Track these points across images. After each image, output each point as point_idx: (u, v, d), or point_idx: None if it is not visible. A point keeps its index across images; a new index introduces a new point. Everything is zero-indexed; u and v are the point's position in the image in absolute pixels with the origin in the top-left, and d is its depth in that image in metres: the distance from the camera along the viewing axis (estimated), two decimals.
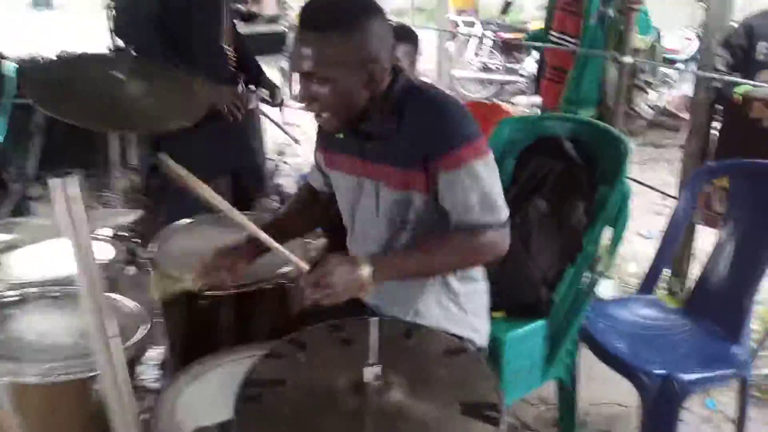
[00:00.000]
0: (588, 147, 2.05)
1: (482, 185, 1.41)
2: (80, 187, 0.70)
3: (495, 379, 1.07)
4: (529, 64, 6.55)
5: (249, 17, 3.41)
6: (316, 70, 1.37)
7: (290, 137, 5.84)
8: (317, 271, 1.31)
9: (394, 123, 1.44)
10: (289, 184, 4.42)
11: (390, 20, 1.54)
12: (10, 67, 3.68)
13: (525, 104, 6.35)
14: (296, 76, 1.75)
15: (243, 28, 3.22)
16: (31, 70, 1.81)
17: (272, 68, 6.10)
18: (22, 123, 3.55)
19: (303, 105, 1.46)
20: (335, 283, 1.28)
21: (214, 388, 1.40)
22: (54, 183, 0.70)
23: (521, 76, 7.06)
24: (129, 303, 1.64)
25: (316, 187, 1.76)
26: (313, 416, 1.00)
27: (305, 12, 1.41)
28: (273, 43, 3.21)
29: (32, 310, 1.55)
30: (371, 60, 1.38)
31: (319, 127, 1.62)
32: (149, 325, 1.54)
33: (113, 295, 1.66)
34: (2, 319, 1.51)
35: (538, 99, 5.82)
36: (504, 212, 1.46)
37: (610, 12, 2.88)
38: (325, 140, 1.66)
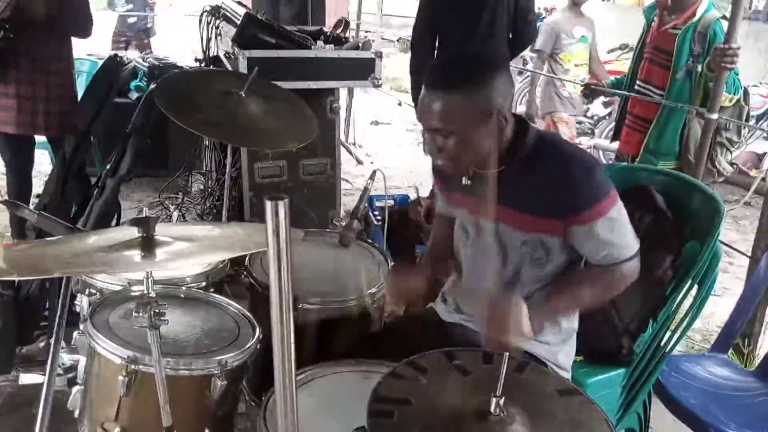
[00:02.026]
0: (679, 201, 2.07)
1: (615, 232, 1.53)
2: (288, 210, 0.79)
3: (610, 422, 1.12)
4: (596, 106, 6.56)
5: (336, 41, 3.51)
6: (443, 126, 1.47)
7: (353, 157, 5.98)
8: (497, 312, 1.46)
9: (525, 171, 1.52)
10: (349, 203, 4.50)
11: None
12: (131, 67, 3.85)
13: (588, 146, 6.37)
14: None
15: (332, 52, 3.32)
16: (164, 81, 1.93)
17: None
18: (117, 121, 3.74)
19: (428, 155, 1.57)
20: (507, 326, 1.43)
21: (318, 398, 1.46)
22: (268, 204, 0.79)
23: (586, 117, 7.06)
24: (239, 307, 1.74)
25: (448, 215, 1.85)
26: None
27: (434, 71, 1.51)
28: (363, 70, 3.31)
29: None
30: (496, 112, 1.47)
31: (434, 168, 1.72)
32: (260, 330, 1.62)
33: (225, 299, 1.77)
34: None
35: (605, 142, 5.83)
36: (635, 245, 1.58)
37: (699, 68, 2.91)
38: (442, 182, 1.78)
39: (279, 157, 3.51)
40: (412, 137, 6.85)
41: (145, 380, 1.38)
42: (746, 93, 3.00)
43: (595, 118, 6.58)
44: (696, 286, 1.98)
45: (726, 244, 3.65)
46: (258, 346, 1.58)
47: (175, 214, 3.47)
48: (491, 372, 1.12)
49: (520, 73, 7.26)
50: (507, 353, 1.10)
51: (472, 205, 1.65)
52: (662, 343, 1.98)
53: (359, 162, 5.86)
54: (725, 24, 2.82)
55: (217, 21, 3.80)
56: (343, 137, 6.05)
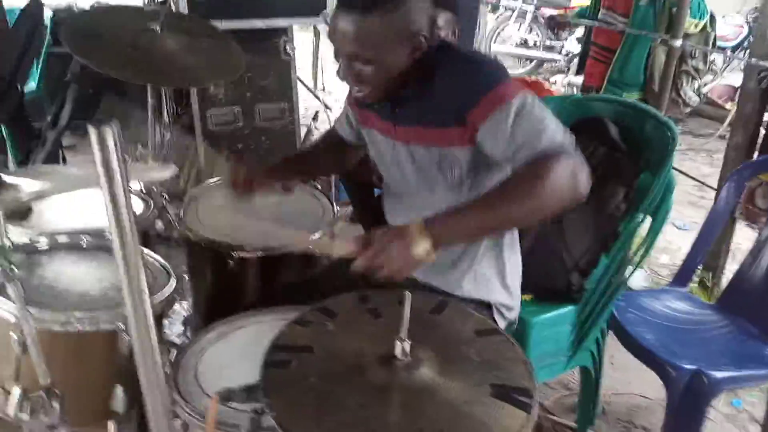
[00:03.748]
0: (633, 132, 1.98)
1: (529, 116, 1.27)
2: (118, 136, 0.67)
3: (529, 363, 1.04)
4: (570, 43, 6.40)
5: None
6: (359, 52, 1.35)
7: (321, 103, 5.81)
8: (367, 253, 1.17)
9: (425, 85, 1.41)
10: None
11: None
12: (46, 16, 3.67)
13: (563, 84, 6.23)
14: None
15: None
16: (67, 18, 1.77)
17: (306, 31, 6.04)
18: (57, 71, 3.55)
19: (344, 81, 1.44)
20: (392, 260, 1.15)
21: (237, 349, 1.39)
22: (92, 130, 0.67)
23: (561, 54, 6.90)
24: (157, 258, 1.63)
25: (343, 136, 1.78)
26: (340, 387, 0.98)
27: None
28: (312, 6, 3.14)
29: (62, 258, 1.55)
30: (414, 34, 1.36)
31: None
32: (176, 281, 1.52)
33: (144, 249, 1.66)
34: (32, 265, 1.50)
35: (577, 79, 5.70)
36: (560, 138, 1.25)
37: None
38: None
39: (232, 103, 3.37)
40: None
41: (41, 338, 1.28)
42: (713, 18, 2.86)
43: (570, 55, 6.43)
44: (650, 219, 1.90)
45: (694, 178, 3.58)
46: (175, 297, 1.49)
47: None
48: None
49: (493, 9, 7.05)
50: (408, 294, 1.01)
51: (384, 128, 1.56)
52: (614, 278, 1.91)
53: (327, 107, 5.70)
54: None
55: None
56: (311, 83, 5.87)
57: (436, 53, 1.42)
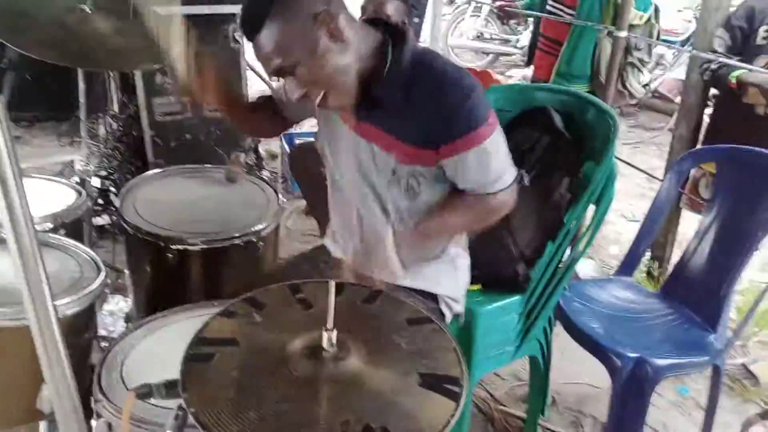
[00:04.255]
0: (576, 121, 1.98)
1: (491, 161, 1.43)
2: (4, 113, 0.62)
3: (458, 352, 1.02)
4: (526, 36, 6.44)
5: None
6: (281, 64, 1.32)
7: (272, 89, 5.72)
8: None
9: (401, 97, 1.39)
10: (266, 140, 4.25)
11: None
12: None
13: (519, 77, 6.26)
14: None
15: None
16: None
17: None
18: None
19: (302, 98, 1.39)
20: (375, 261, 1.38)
21: (167, 344, 1.34)
22: None
23: (517, 48, 6.95)
24: (87, 251, 1.57)
25: (280, 107, 1.69)
26: (263, 380, 0.94)
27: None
28: None
29: None
30: (322, 17, 1.30)
31: None
32: (104, 275, 1.46)
33: (71, 241, 1.59)
34: None
35: (529, 71, 5.75)
36: (511, 174, 1.49)
37: None
38: None
39: None
40: None
41: None
42: (657, 10, 2.90)
43: (524, 48, 6.46)
44: (593, 207, 1.91)
45: (642, 171, 3.64)
46: (106, 291, 1.43)
47: None
48: (337, 305, 1.00)
49: (450, 1, 7.06)
50: (332, 283, 0.98)
51: (346, 118, 1.51)
52: (559, 268, 1.92)
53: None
54: None
55: None
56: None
57: (415, 63, 1.39)
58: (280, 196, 2.17)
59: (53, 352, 0.75)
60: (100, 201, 3.05)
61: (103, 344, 1.79)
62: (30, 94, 3.08)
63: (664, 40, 4.64)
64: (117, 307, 2.31)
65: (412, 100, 1.39)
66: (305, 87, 1.36)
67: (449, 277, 1.65)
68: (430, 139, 1.40)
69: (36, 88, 3.22)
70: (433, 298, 1.63)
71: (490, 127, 1.41)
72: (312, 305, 1.11)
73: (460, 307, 1.69)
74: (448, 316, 1.68)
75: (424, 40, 4.78)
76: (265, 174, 3.69)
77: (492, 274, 1.91)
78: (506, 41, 7.04)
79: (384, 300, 1.15)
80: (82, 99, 2.44)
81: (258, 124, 1.74)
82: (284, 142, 3.91)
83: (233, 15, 3.20)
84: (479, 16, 6.94)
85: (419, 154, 1.43)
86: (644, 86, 2.95)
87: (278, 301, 1.13)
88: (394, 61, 1.39)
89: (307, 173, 2.92)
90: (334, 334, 0.97)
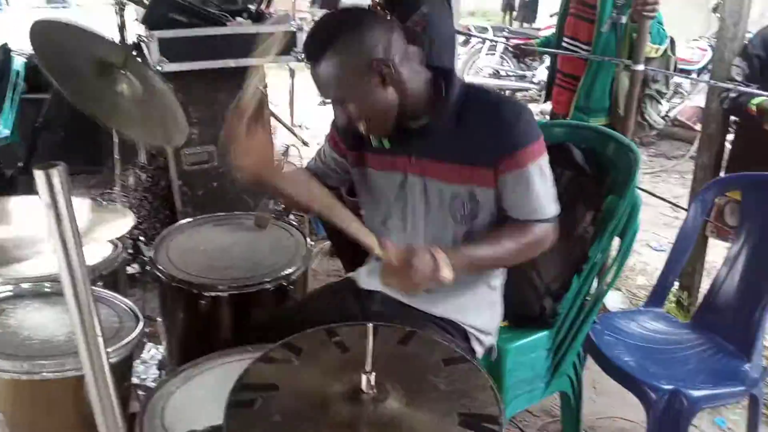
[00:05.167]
0: (597, 155, 2.00)
1: (544, 183, 1.50)
2: (65, 178, 0.67)
3: (495, 390, 1.03)
4: (541, 72, 6.51)
5: (257, 17, 3.38)
6: (335, 95, 1.44)
7: (298, 138, 5.84)
8: (404, 256, 1.33)
9: (454, 123, 1.48)
10: None
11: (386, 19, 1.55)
12: (19, 62, 3.67)
13: (537, 112, 6.32)
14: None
15: (251, 27, 3.19)
16: (42, 24, 1.56)
17: (282, 69, 6.10)
18: (31, 118, 3.52)
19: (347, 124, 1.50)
20: (421, 273, 1.31)
21: (205, 390, 1.37)
22: (38, 173, 0.67)
23: (533, 83, 7.02)
24: (125, 301, 1.61)
25: (319, 175, 1.75)
26: (305, 424, 0.96)
27: (305, 46, 1.45)
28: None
29: (26, 306, 1.53)
30: (371, 64, 1.39)
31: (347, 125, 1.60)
32: (143, 324, 1.50)
33: (109, 293, 1.64)
34: None
35: (547, 106, 5.79)
36: (556, 208, 1.55)
37: (623, 19, 2.83)
38: (356, 140, 1.63)
39: (206, 142, 3.36)
40: None
41: (5, 388, 1.25)
42: (673, 43, 2.93)
43: (542, 84, 6.53)
44: (619, 240, 1.92)
45: (666, 200, 3.62)
46: (143, 340, 1.47)
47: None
48: (373, 347, 1.03)
49: (465, 42, 7.18)
50: (370, 326, 1.01)
51: (391, 165, 1.58)
52: (587, 301, 1.92)
53: (305, 143, 5.74)
54: None
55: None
56: (288, 120, 5.92)
57: (465, 92, 1.50)
58: (308, 239, 2.21)
59: (107, 400, 0.79)
60: (130, 250, 3.12)
61: (140, 392, 1.83)
62: (63, 151, 3.21)
63: (681, 70, 4.68)
64: (149, 354, 2.35)
65: (467, 124, 1.48)
66: (353, 120, 1.46)
67: (485, 309, 1.68)
68: (487, 156, 1.46)
69: (68, 144, 3.35)
70: (462, 335, 1.65)
71: (543, 145, 1.50)
72: (348, 348, 1.14)
73: (492, 340, 1.71)
74: (479, 352, 1.69)
75: None
76: (292, 218, 3.75)
77: (519, 309, 1.91)
78: (522, 77, 7.13)
79: (418, 340, 1.17)
80: (117, 155, 2.50)
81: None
82: None
83: (257, 68, 3.29)
84: (494, 54, 7.05)
85: (480, 172, 1.49)
86: (663, 117, 2.96)
87: (315, 344, 1.15)
88: (447, 92, 1.48)
89: None
90: (373, 376, 0.99)
